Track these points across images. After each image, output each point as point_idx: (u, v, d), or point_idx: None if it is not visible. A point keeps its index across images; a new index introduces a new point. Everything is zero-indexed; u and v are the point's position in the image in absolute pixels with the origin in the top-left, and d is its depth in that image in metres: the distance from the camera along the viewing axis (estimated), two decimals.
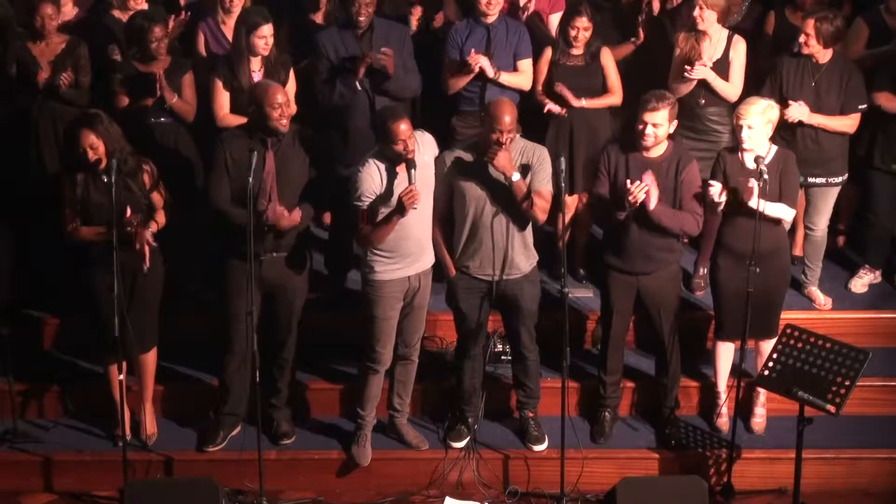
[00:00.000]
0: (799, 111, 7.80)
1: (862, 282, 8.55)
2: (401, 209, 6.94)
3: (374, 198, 7.04)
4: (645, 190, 7.05)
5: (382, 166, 7.05)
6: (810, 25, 7.78)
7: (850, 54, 8.22)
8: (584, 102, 8.06)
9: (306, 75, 8.13)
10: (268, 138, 7.18)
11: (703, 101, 8.04)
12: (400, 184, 7.01)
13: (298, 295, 7.50)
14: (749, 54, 8.29)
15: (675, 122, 7.29)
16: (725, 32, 8.06)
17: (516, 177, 7.07)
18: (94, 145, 7.14)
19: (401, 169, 7.00)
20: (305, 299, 7.57)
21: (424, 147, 7.18)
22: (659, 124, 7.17)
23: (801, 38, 7.82)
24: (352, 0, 7.84)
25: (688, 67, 7.88)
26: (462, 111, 8.16)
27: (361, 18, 7.87)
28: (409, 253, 7.21)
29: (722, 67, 8.01)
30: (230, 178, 7.20)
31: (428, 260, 7.34)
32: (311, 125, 8.05)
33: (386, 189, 7.03)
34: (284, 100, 7.19)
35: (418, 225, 7.17)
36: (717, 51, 8.04)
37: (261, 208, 7.14)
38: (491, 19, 8.05)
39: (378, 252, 7.17)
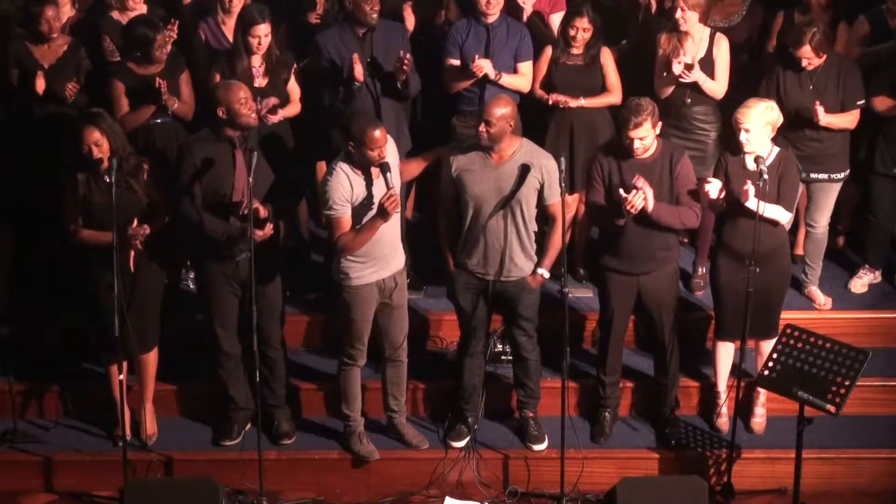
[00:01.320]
0: (822, 116, 7.82)
1: (862, 282, 8.55)
2: (383, 213, 6.95)
3: (346, 205, 7.04)
4: (642, 197, 7.06)
5: (351, 172, 7.05)
6: (808, 51, 7.77)
7: (850, 52, 8.24)
8: (582, 101, 8.07)
9: (306, 75, 8.13)
10: (235, 138, 7.18)
11: (689, 101, 8.05)
12: (377, 188, 7.02)
13: (277, 291, 7.50)
14: (748, 55, 8.33)
15: (660, 123, 7.28)
16: (707, 31, 8.06)
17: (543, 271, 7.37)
18: (99, 142, 7.14)
19: (375, 173, 7.02)
20: (311, 299, 7.58)
21: (390, 152, 7.18)
22: (644, 136, 7.17)
23: (804, 63, 7.81)
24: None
25: (685, 73, 7.88)
26: (462, 111, 8.16)
27: (374, 16, 7.86)
28: (382, 256, 7.22)
29: (706, 66, 8.01)
30: (204, 180, 7.19)
31: (400, 260, 7.36)
32: (312, 125, 8.08)
33: (366, 195, 7.04)
34: (248, 95, 7.18)
35: (389, 228, 7.16)
36: (700, 50, 8.05)
37: (234, 208, 7.17)
38: (491, 19, 8.05)
39: (351, 258, 7.18)
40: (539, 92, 8.16)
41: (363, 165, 7.03)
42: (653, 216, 7.16)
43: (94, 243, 7.20)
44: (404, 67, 7.75)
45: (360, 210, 7.07)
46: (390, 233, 7.20)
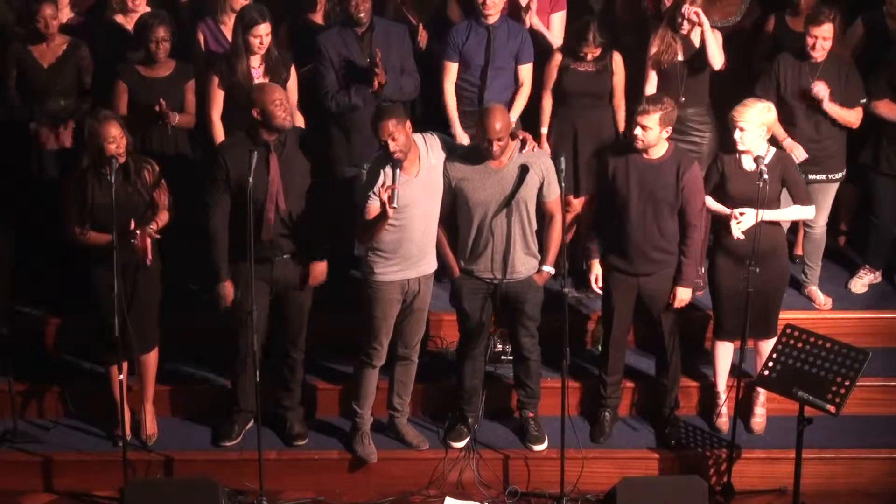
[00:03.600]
0: (823, 89, 7.81)
1: (862, 282, 8.55)
2: (383, 214, 6.93)
3: (370, 196, 7.06)
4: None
5: (383, 166, 7.05)
6: (829, 30, 7.76)
7: (843, 53, 8.26)
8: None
9: (309, 80, 8.09)
10: (270, 143, 7.17)
11: (684, 100, 8.03)
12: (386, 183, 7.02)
13: (308, 295, 7.50)
14: (745, 55, 8.34)
15: (670, 129, 7.28)
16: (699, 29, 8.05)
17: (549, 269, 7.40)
18: (119, 138, 7.13)
19: (401, 168, 7.01)
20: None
21: (432, 150, 7.18)
22: (648, 127, 7.18)
23: (816, 46, 7.78)
24: None
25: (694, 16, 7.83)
26: (461, 111, 8.15)
27: (361, 15, 7.85)
28: (409, 256, 7.21)
29: (700, 61, 7.98)
30: (232, 189, 7.18)
31: (429, 265, 7.33)
32: (313, 125, 8.06)
33: (367, 187, 7.05)
34: (283, 96, 7.19)
35: (421, 228, 7.16)
36: (693, 47, 8.03)
37: (268, 214, 7.15)
38: (492, 20, 8.03)
39: (378, 253, 7.19)
40: (545, 113, 8.14)
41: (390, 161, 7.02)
42: (691, 283, 7.40)
43: (99, 245, 7.19)
44: (376, 68, 7.66)
45: (369, 203, 7.07)
46: (421, 234, 7.18)
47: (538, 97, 8.16)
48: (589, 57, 8.01)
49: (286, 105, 7.18)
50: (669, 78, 8.03)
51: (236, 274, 7.34)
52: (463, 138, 7.98)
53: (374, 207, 7.05)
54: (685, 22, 7.91)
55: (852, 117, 7.97)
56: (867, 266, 8.57)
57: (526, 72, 8.13)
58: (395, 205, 6.86)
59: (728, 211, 7.32)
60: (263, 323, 7.36)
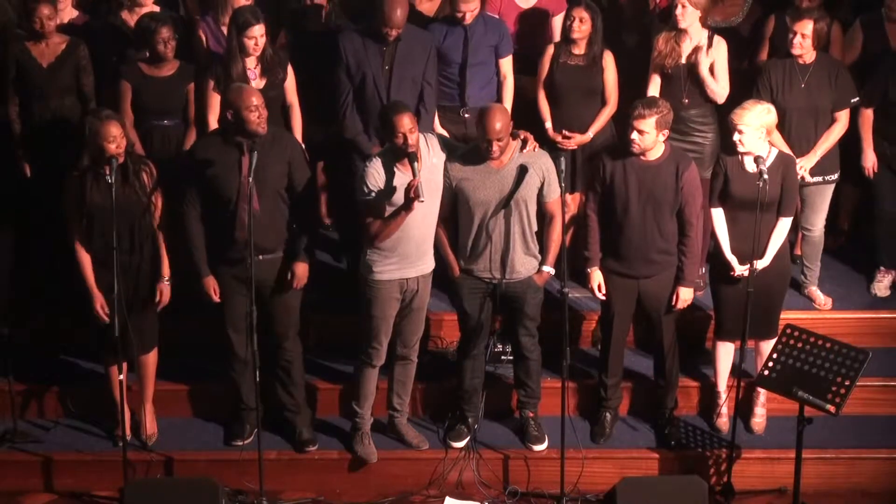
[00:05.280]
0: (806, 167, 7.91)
1: (883, 284, 8.46)
2: (407, 204, 6.93)
3: (377, 193, 7.05)
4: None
5: (387, 163, 7.05)
6: (808, 27, 7.78)
7: (846, 57, 8.25)
8: (590, 134, 8.08)
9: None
10: (243, 142, 7.16)
11: (687, 101, 8.03)
12: (404, 179, 7.00)
13: (295, 295, 7.47)
14: (746, 56, 8.35)
15: (667, 132, 7.27)
16: (706, 33, 8.01)
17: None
18: (119, 138, 7.14)
19: (405, 165, 6.99)
20: (307, 299, 7.57)
21: (432, 150, 7.18)
22: (645, 132, 7.16)
23: (795, 43, 7.81)
24: (383, 21, 7.68)
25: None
26: (441, 106, 8.11)
27: (391, 39, 7.77)
28: (408, 254, 7.20)
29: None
30: (208, 183, 7.19)
31: (428, 264, 7.32)
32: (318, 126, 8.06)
33: (387, 185, 7.03)
34: (260, 102, 7.14)
35: (420, 227, 7.15)
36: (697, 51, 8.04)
37: (241, 214, 7.13)
38: (467, 20, 7.98)
39: (377, 252, 7.18)
40: (543, 108, 8.15)
41: (398, 157, 7.01)
42: (692, 283, 7.40)
43: (79, 271, 7.29)
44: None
45: (383, 201, 7.05)
46: (420, 233, 7.16)
47: (534, 94, 8.17)
48: (576, 29, 7.96)
49: (261, 111, 7.13)
50: (672, 80, 8.03)
51: (217, 279, 7.36)
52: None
53: (378, 205, 7.03)
54: (680, 17, 7.87)
55: (837, 135, 7.99)
56: (882, 268, 8.50)
57: (507, 65, 8.13)
58: (422, 198, 6.85)
59: (733, 266, 7.36)
60: (243, 322, 7.37)
